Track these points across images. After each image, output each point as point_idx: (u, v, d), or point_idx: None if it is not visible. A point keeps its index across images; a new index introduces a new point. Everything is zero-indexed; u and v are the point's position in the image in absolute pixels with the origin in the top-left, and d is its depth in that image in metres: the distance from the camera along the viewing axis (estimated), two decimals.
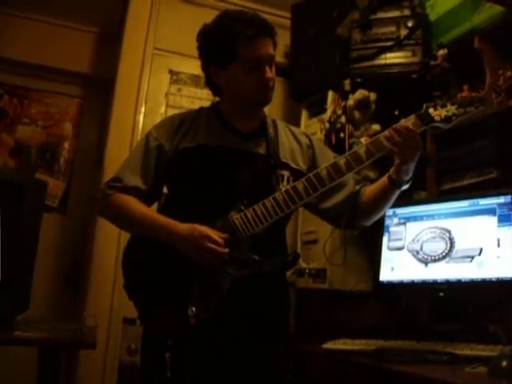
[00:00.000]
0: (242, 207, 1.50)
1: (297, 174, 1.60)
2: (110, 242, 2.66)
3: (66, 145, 3.40)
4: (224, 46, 1.53)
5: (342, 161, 1.50)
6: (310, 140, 1.73)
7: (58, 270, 3.16)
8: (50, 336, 1.78)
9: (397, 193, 1.57)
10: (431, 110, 1.50)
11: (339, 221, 1.68)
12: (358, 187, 1.67)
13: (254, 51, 1.52)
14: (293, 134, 1.72)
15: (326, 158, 1.66)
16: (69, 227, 3.26)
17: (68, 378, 2.64)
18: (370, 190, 1.64)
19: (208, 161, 1.57)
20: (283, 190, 1.51)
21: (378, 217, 1.68)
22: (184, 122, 1.63)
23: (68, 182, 3.36)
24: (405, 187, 1.56)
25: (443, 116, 1.49)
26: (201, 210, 1.51)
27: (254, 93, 1.56)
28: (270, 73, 1.54)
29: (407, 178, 1.53)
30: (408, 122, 1.49)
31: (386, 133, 1.49)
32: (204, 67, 1.63)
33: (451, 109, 1.49)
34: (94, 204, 2.89)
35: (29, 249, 1.86)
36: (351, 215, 1.65)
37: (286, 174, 1.59)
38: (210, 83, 1.65)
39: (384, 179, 1.58)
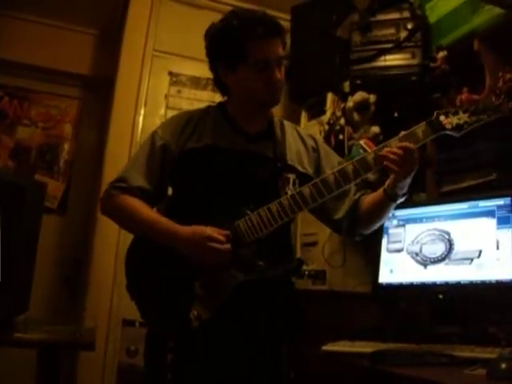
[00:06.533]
0: (248, 211, 1.48)
1: (303, 177, 1.59)
2: (110, 243, 2.66)
3: (66, 146, 3.40)
4: (233, 47, 1.51)
5: (349, 167, 1.47)
6: (316, 142, 1.71)
7: (57, 271, 3.16)
8: (50, 337, 1.79)
9: (392, 206, 1.55)
10: (442, 118, 1.45)
11: (341, 229, 1.69)
12: (357, 195, 1.65)
13: (264, 52, 1.50)
14: (299, 135, 1.70)
15: (331, 162, 1.65)
16: (68, 228, 3.27)
17: (67, 379, 2.64)
18: (367, 201, 1.62)
19: (214, 162, 1.55)
20: (289, 194, 1.49)
21: (375, 227, 1.66)
22: (190, 121, 1.61)
23: (68, 183, 3.36)
24: (400, 200, 1.54)
25: (454, 124, 1.45)
26: (206, 212, 1.50)
27: (263, 94, 1.54)
28: (278, 74, 1.53)
29: (402, 192, 1.52)
30: (398, 140, 1.45)
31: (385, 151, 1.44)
32: (212, 67, 1.60)
33: (463, 117, 1.45)
34: (94, 205, 2.90)
35: (28, 250, 1.86)
36: (351, 224, 1.64)
37: (292, 176, 1.57)
38: (218, 83, 1.62)
39: (380, 192, 1.56)
